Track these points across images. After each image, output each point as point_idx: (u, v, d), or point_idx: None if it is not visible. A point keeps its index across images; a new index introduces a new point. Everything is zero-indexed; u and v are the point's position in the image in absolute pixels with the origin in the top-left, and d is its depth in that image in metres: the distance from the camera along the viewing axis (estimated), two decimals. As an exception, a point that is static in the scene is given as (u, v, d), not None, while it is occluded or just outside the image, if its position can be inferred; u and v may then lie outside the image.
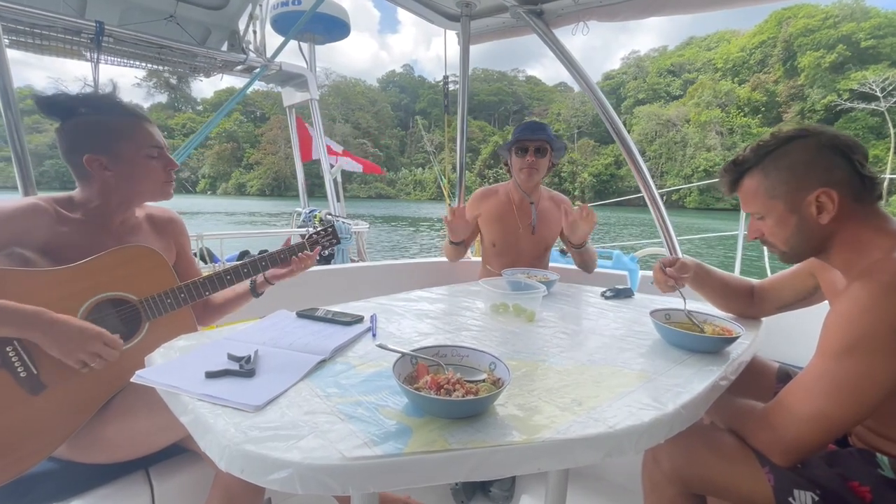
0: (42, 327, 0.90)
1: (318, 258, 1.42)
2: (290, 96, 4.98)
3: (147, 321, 1.10)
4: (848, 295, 0.80)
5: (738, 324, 1.07)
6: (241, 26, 3.47)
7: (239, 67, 3.66)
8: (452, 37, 2.46)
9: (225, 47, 3.49)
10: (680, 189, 31.69)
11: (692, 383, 0.82)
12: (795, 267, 1.14)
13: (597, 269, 2.26)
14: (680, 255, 2.12)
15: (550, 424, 0.66)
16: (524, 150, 1.81)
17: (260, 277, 1.36)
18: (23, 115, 1.46)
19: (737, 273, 2.09)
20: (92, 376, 1.01)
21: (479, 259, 2.27)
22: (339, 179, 5.13)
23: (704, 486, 0.91)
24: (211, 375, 0.78)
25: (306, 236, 1.40)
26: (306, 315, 1.15)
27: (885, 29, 47.73)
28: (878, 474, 0.81)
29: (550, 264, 2.06)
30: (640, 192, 2.16)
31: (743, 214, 3.20)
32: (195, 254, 2.19)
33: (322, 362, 0.87)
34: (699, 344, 0.99)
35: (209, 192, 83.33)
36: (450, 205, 2.04)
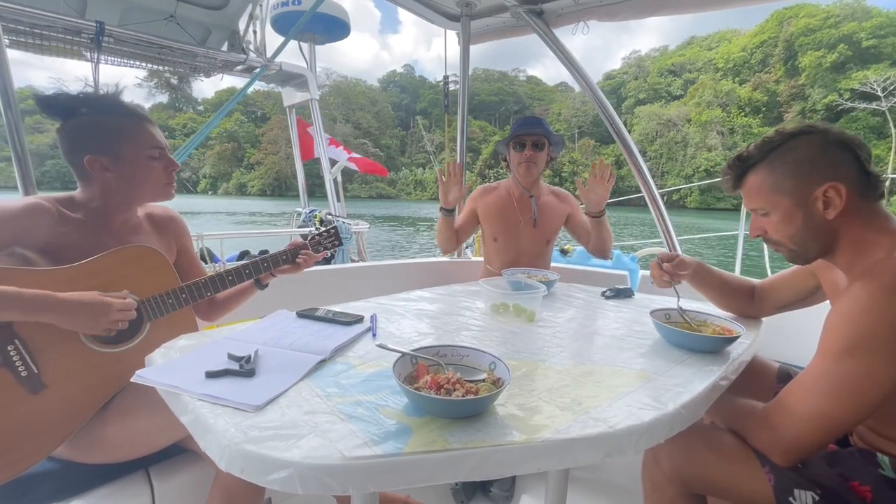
0: (53, 307, 0.91)
1: (319, 259, 1.42)
2: (291, 96, 4.99)
3: (148, 321, 1.10)
4: (849, 295, 0.79)
5: (738, 323, 1.06)
6: (242, 26, 3.47)
7: (239, 67, 3.66)
8: (453, 37, 2.47)
9: (225, 47, 3.50)
10: (680, 189, 31.64)
11: (692, 383, 0.82)
12: (796, 267, 1.13)
13: (596, 269, 2.26)
14: (680, 253, 2.11)
15: (550, 424, 0.66)
16: (522, 145, 1.82)
17: None
18: (24, 115, 1.46)
19: (737, 273, 2.08)
20: (92, 376, 1.01)
21: (480, 259, 2.27)
22: (340, 179, 5.15)
23: (705, 486, 0.91)
24: (211, 375, 0.78)
25: (308, 237, 1.40)
26: (306, 315, 1.15)
27: (886, 28, 47.65)
28: (879, 474, 0.81)
29: (551, 264, 2.06)
30: (640, 191, 2.16)
31: (744, 213, 3.20)
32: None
33: (322, 362, 0.87)
34: (699, 344, 0.99)
35: (210, 192, 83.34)
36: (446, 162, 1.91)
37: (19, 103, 1.46)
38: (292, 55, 4.60)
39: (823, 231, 0.88)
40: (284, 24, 4.68)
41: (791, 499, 0.80)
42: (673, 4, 1.97)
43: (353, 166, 5.53)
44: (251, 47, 3.61)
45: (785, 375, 1.13)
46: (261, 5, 3.54)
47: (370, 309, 1.24)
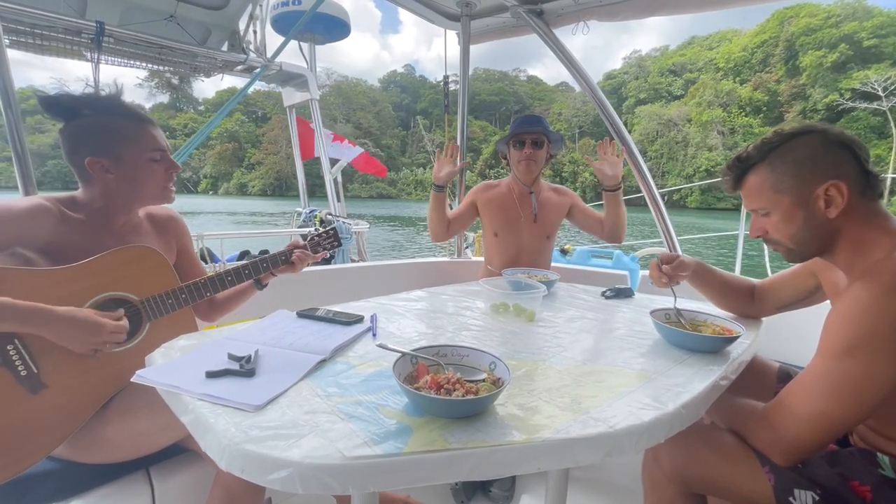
0: (45, 322, 0.91)
1: (318, 260, 1.42)
2: (291, 96, 4.99)
3: (148, 321, 1.10)
4: (849, 295, 0.79)
5: (738, 323, 1.06)
6: (242, 26, 3.47)
7: (239, 67, 3.66)
8: (453, 37, 2.46)
9: (225, 47, 3.50)
10: (681, 189, 31.63)
11: (692, 383, 0.82)
12: (796, 266, 1.13)
13: (596, 269, 2.26)
14: (680, 254, 2.11)
15: (550, 424, 0.66)
16: (521, 143, 1.83)
17: None
18: (25, 115, 1.47)
19: (737, 273, 2.08)
20: (92, 376, 1.01)
21: (480, 259, 2.27)
22: (340, 179, 5.15)
23: (705, 486, 0.91)
24: (211, 375, 0.78)
25: (308, 237, 1.40)
26: (306, 315, 1.15)
27: (887, 28, 47.58)
28: (879, 474, 0.81)
29: (552, 264, 2.06)
30: (640, 191, 2.16)
31: (744, 213, 3.20)
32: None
33: (322, 362, 0.87)
34: (699, 343, 0.99)
35: (211, 192, 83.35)
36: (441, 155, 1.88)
37: (20, 103, 1.46)
38: (292, 55, 4.61)
39: (824, 230, 0.88)
40: (284, 24, 4.68)
41: (791, 499, 0.80)
42: (673, 4, 1.96)
43: (350, 165, 5.52)
44: (251, 47, 3.61)
45: (785, 375, 1.13)
46: (261, 5, 3.54)
47: (370, 309, 1.24)
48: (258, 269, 1.27)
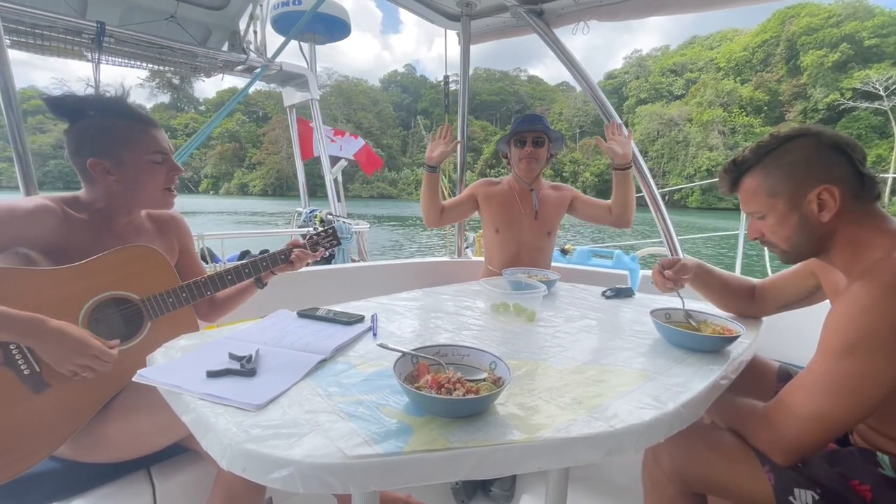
0: (37, 334, 0.89)
1: (318, 258, 1.42)
2: (291, 96, 5.00)
3: (149, 320, 1.11)
4: (848, 294, 0.80)
5: (738, 323, 1.07)
6: (242, 26, 3.48)
7: (240, 67, 3.67)
8: (453, 36, 2.46)
9: (226, 47, 3.51)
10: (682, 189, 31.61)
11: (692, 382, 0.82)
12: (796, 266, 1.13)
13: (597, 269, 2.27)
14: (681, 254, 2.12)
15: (551, 423, 0.66)
16: (522, 142, 1.84)
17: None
18: (27, 115, 1.47)
19: (737, 272, 2.09)
20: (94, 375, 1.01)
21: (481, 259, 2.27)
22: (340, 179, 5.15)
23: (705, 485, 0.91)
24: (212, 375, 0.78)
25: (307, 236, 1.40)
26: (307, 315, 1.15)
27: (888, 28, 47.51)
28: (879, 473, 0.81)
29: (552, 264, 2.06)
30: (641, 191, 2.16)
31: (743, 214, 3.20)
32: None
33: (323, 361, 0.87)
34: (699, 343, 0.99)
35: (212, 192, 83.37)
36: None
37: (21, 103, 1.46)
38: (293, 55, 4.62)
39: (818, 233, 0.89)
40: (285, 24, 4.69)
41: (791, 498, 0.80)
42: (673, 4, 1.96)
43: (353, 159, 5.50)
44: (252, 47, 3.61)
45: (785, 375, 1.13)
46: (261, 5, 3.55)
47: (371, 308, 1.24)
48: (258, 268, 1.27)
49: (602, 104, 2.10)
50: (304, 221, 4.93)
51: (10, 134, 1.42)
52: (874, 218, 0.86)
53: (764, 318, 1.25)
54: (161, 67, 3.37)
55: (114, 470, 1.04)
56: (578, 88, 2.43)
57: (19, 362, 0.93)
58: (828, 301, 1.07)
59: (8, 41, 1.64)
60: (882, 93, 42.02)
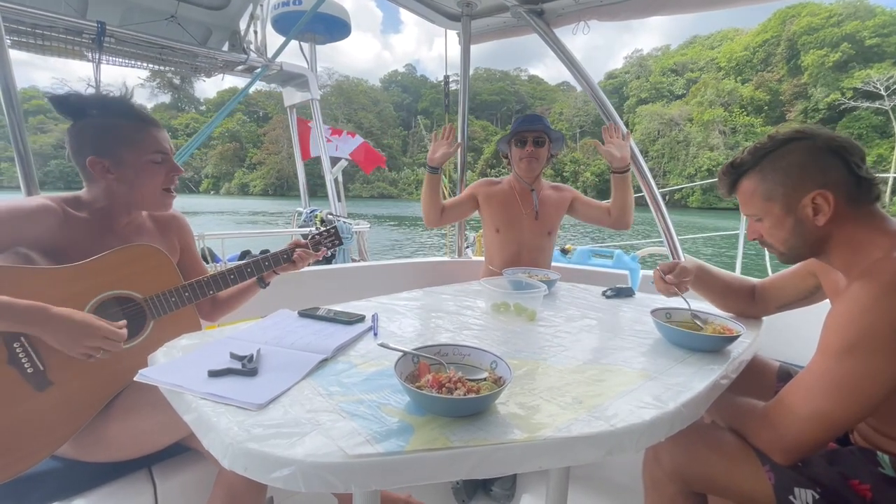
0: (41, 322, 0.90)
1: (320, 258, 1.43)
2: (291, 96, 5.00)
3: (151, 319, 1.11)
4: (848, 294, 0.80)
5: (738, 323, 1.07)
6: (242, 26, 3.48)
7: (240, 67, 3.67)
8: (453, 36, 2.47)
9: (226, 47, 3.50)
10: (682, 188, 31.61)
11: (693, 382, 0.83)
12: (796, 266, 1.14)
13: (597, 269, 2.27)
14: (681, 254, 2.12)
15: (552, 423, 0.66)
16: (523, 142, 1.84)
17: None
18: (28, 115, 1.48)
19: (737, 272, 2.08)
20: (96, 374, 1.02)
21: (481, 259, 2.27)
22: (340, 179, 5.15)
23: (705, 485, 0.91)
24: (214, 374, 0.79)
25: (309, 236, 1.41)
26: (308, 314, 1.15)
27: (889, 27, 47.44)
28: (879, 472, 0.81)
29: (552, 264, 2.06)
30: (641, 191, 2.16)
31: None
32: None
33: (324, 361, 0.87)
34: (700, 343, 1.00)
35: (212, 192, 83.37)
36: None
37: (22, 103, 1.46)
38: (293, 55, 4.62)
39: (814, 236, 0.89)
40: (285, 24, 4.69)
41: (791, 497, 0.80)
42: (674, 4, 1.96)
43: (350, 158, 5.49)
44: (252, 47, 3.61)
45: (785, 374, 1.13)
46: (261, 5, 3.54)
47: (371, 308, 1.24)
48: (260, 268, 1.27)
49: (602, 104, 2.10)
50: (305, 221, 4.93)
51: (12, 134, 1.42)
52: (873, 219, 0.86)
53: (764, 318, 1.25)
54: (161, 67, 3.36)
55: (115, 469, 1.04)
56: (579, 88, 2.43)
57: (23, 361, 0.93)
58: (828, 301, 1.07)
59: (9, 41, 1.64)
60: (883, 92, 41.98)
